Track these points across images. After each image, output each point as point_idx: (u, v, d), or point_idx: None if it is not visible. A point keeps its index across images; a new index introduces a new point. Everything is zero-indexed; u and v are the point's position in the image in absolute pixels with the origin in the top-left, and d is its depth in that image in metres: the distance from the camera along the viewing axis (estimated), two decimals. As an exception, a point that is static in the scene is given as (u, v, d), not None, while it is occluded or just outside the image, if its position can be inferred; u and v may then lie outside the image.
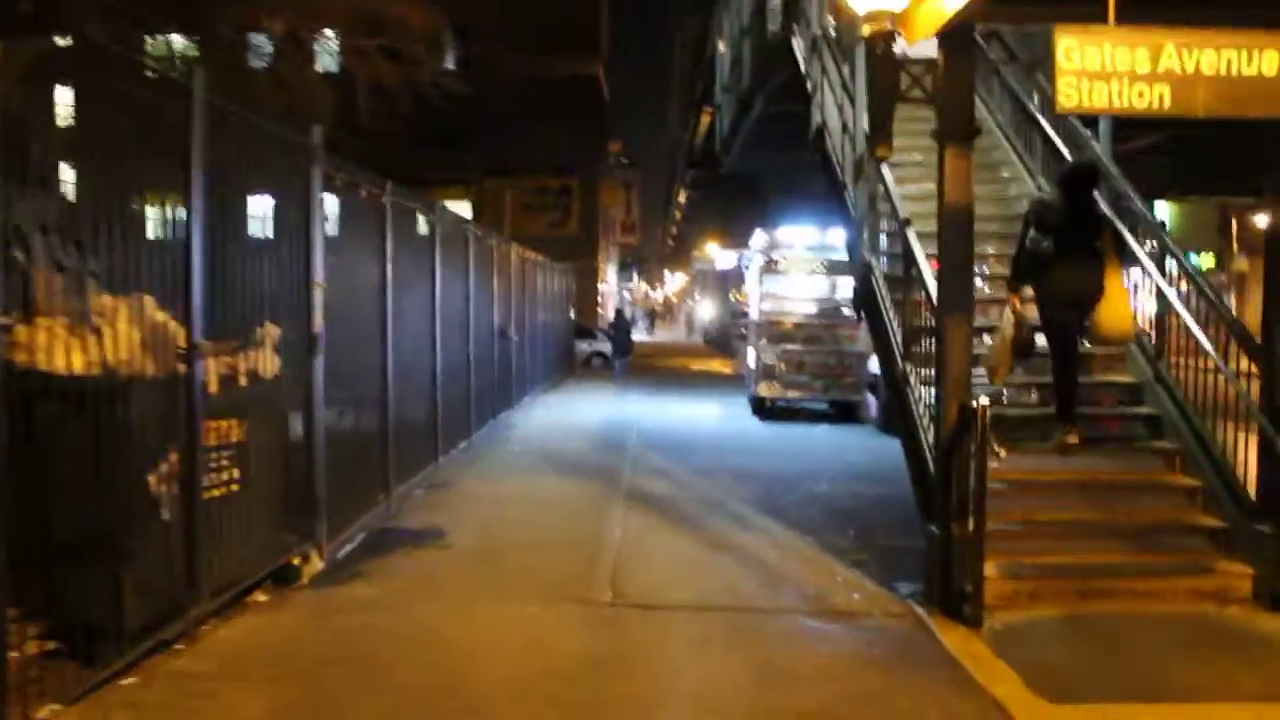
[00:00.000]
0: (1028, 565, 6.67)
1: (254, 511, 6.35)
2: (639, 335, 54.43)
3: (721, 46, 25.13)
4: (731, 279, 50.64)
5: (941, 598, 6.40)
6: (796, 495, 10.10)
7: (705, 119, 33.32)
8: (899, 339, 8.06)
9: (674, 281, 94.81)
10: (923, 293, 7.43)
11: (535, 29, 42.20)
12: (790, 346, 16.92)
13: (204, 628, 5.78)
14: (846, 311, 16.96)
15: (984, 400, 6.12)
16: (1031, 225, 7.27)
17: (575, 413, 17.81)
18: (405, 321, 9.85)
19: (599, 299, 49.50)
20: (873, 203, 9.11)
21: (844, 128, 10.27)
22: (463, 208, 41.12)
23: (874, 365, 17.40)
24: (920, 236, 8.79)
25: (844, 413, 17.17)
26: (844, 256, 17.00)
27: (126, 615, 5.20)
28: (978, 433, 6.04)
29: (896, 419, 8.12)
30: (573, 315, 28.57)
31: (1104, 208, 7.74)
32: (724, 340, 46.51)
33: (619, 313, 33.18)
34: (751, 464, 12.01)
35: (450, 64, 46.41)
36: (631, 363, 33.81)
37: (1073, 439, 7.23)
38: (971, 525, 6.16)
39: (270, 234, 6.70)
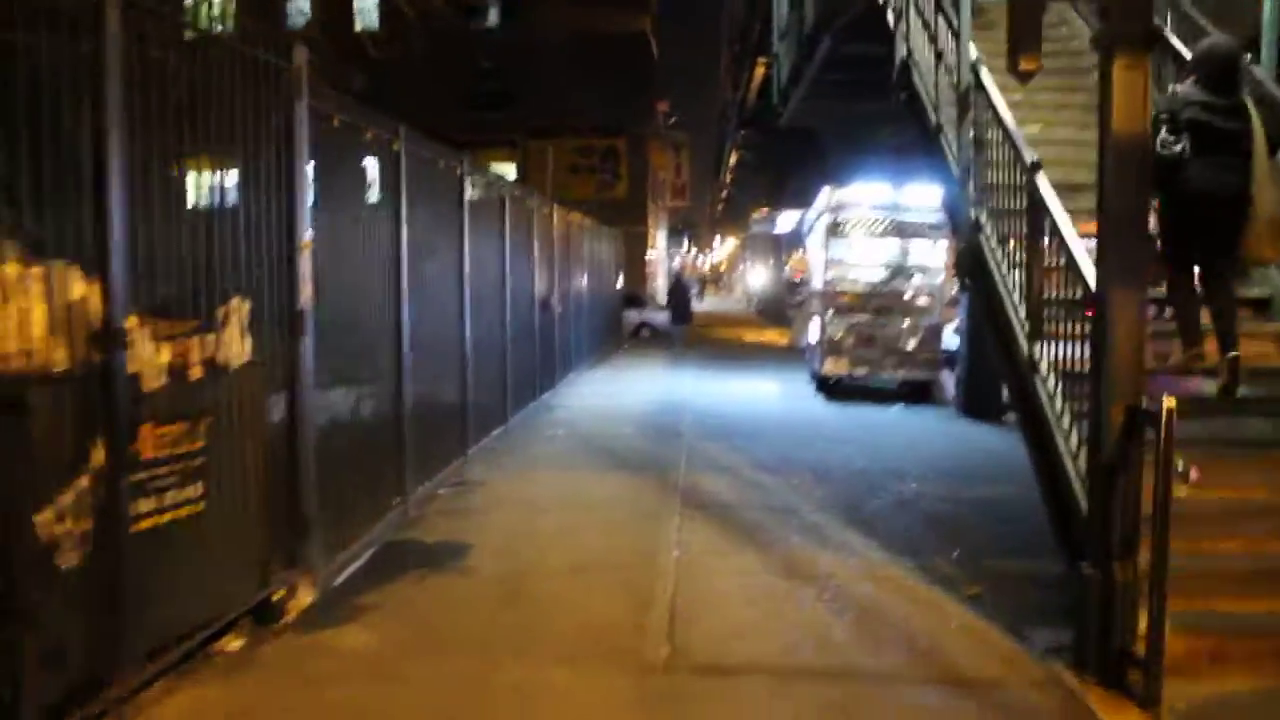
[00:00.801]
0: (1205, 615, 5.14)
1: (218, 539, 5.01)
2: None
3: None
4: (786, 244, 49.02)
5: (1098, 661, 4.90)
6: (881, 499, 8.61)
7: (759, 72, 31.54)
8: (1021, 315, 6.50)
9: (723, 247, 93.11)
10: (1062, 255, 5.87)
11: (581, -18, 40.68)
12: (860, 318, 15.34)
13: (149, 692, 4.47)
14: (921, 279, 15.37)
15: (1168, 401, 4.58)
16: (1163, 127, 5.76)
17: (624, 391, 16.39)
18: (427, 293, 8.48)
19: (648, 265, 48.00)
20: (980, 147, 7.53)
21: (938, 59, 8.69)
22: (508, 170, 39.76)
23: (950, 340, 15.86)
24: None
25: (917, 393, 15.58)
26: (919, 217, 15.43)
27: (24, 696, 3.89)
28: (1160, 445, 4.52)
29: (1020, 417, 6.56)
30: (620, 283, 27.09)
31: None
32: (778, 309, 44.90)
33: (678, 278, 32.00)
34: (822, 456, 10.52)
35: (494, 18, 45.33)
36: (684, 331, 32.50)
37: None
38: (1145, 567, 4.67)
39: (240, 185, 5.29)
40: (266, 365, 5.43)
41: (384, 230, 7.41)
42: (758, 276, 55.79)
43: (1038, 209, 6.18)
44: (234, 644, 5.22)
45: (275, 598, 5.58)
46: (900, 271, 15.42)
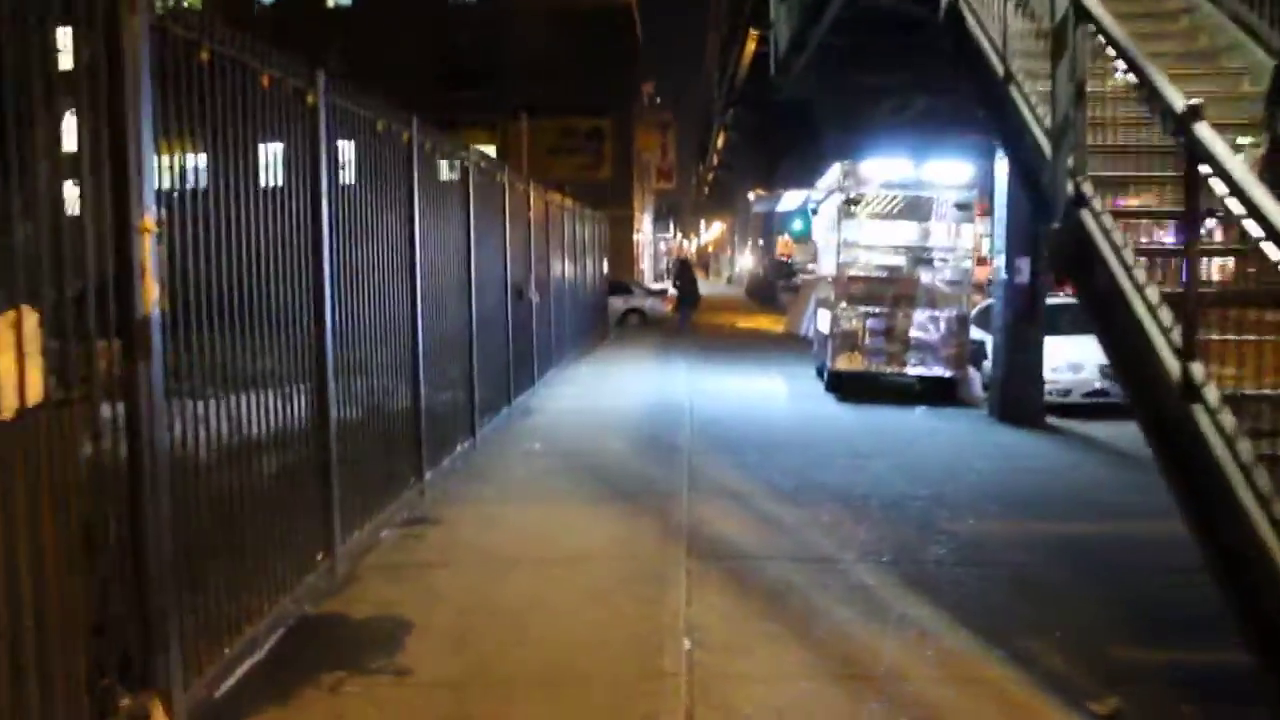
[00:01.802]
0: None
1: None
2: (671, 287, 51.07)
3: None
4: (778, 225, 47.28)
5: None
6: (937, 543, 6.85)
7: (750, 47, 29.75)
8: (1164, 322, 4.72)
9: (710, 232, 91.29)
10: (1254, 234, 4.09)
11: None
12: (877, 308, 13.59)
13: None
14: (946, 264, 13.63)
15: None
16: None
17: (612, 390, 14.61)
18: (362, 285, 6.69)
19: (635, 250, 46.21)
20: (1079, 97, 5.74)
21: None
22: (488, 151, 37.86)
23: (975, 332, 14.15)
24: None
25: (939, 391, 13.86)
26: (943, 195, 13.68)
27: None
28: None
29: (1163, 463, 4.79)
30: (605, 268, 25.28)
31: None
32: (769, 293, 43.19)
33: (683, 262, 30.93)
34: (850, 477, 8.77)
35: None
36: (673, 319, 30.72)
37: None
38: None
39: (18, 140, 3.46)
40: (84, 402, 3.64)
41: (296, 208, 5.60)
42: (747, 259, 54.08)
43: (1192, 179, 4.40)
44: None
45: (107, 741, 3.80)
46: (922, 256, 13.68)
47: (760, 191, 16.66)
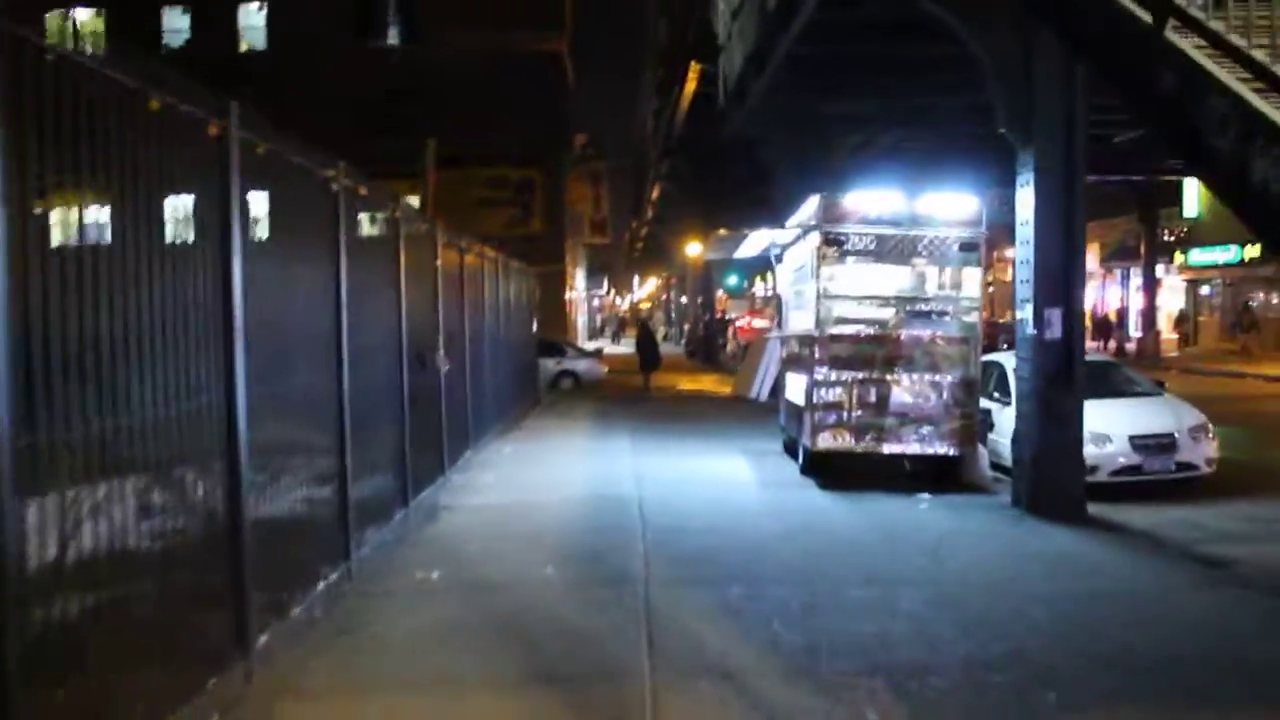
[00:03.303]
0: None
1: None
2: (606, 345, 48.55)
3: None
4: (717, 279, 45.03)
5: None
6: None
7: (690, 87, 27.52)
8: None
9: (644, 288, 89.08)
10: None
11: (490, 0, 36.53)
12: (868, 374, 11.06)
13: None
14: (949, 316, 11.18)
15: None
16: None
17: (542, 478, 11.85)
18: (155, 353, 3.98)
19: (568, 307, 43.63)
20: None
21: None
22: (412, 202, 35.08)
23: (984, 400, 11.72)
24: None
25: (937, 471, 11.38)
26: (945, 233, 11.25)
27: None
28: None
29: None
30: (536, 328, 22.61)
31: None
32: (708, 351, 40.85)
33: (644, 324, 29.88)
34: (883, 625, 6.13)
35: (395, 36, 40.76)
36: (609, 381, 28.13)
37: None
38: None
39: None
40: None
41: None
42: (686, 314, 51.73)
43: None
44: None
45: None
46: (918, 308, 11.21)
47: (721, 232, 14.05)
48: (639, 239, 70.50)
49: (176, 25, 39.50)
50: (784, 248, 14.06)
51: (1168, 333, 37.97)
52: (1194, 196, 37.82)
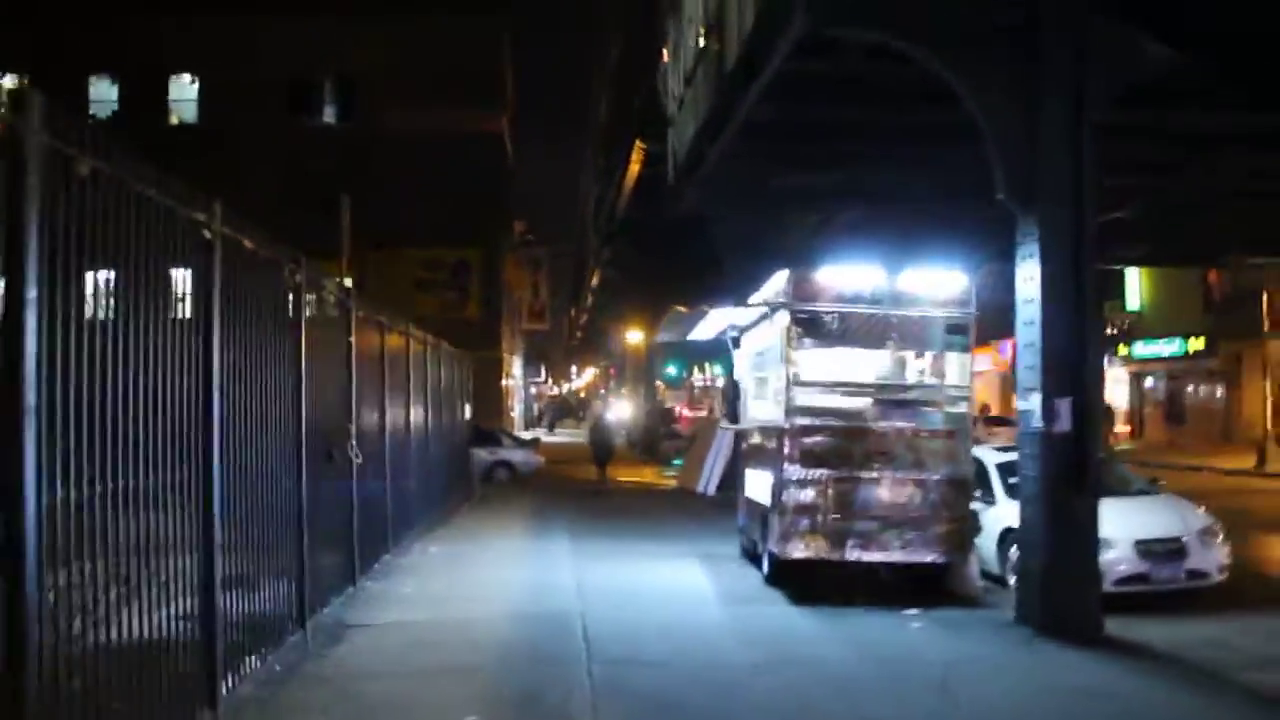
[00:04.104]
0: None
1: None
2: (544, 434, 46.85)
3: (671, 48, 18.35)
4: (658, 369, 43.85)
5: None
6: None
7: (634, 169, 26.60)
8: None
9: (581, 377, 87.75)
10: None
11: (430, 77, 35.48)
12: (843, 472, 9.70)
13: None
14: (935, 406, 9.93)
15: None
16: None
17: (470, 591, 10.18)
18: None
19: (504, 395, 42.07)
20: None
21: None
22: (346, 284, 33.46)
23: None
24: None
25: (920, 580, 10.05)
26: (929, 312, 10.07)
27: None
28: None
29: None
30: (469, 415, 21.05)
31: None
32: (650, 442, 39.45)
33: (599, 419, 29.56)
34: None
35: (331, 115, 39.52)
36: (546, 471, 26.58)
37: None
38: None
39: None
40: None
41: None
42: (624, 406, 50.40)
43: None
44: None
45: None
46: (902, 396, 9.95)
47: (679, 309, 12.71)
48: (578, 327, 69.46)
49: (104, 95, 37.92)
50: (742, 330, 12.79)
51: (1119, 425, 37.45)
52: (1136, 288, 37.81)
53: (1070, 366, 8.43)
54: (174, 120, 38.22)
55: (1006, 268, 9.28)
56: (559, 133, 70.01)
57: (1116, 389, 39.24)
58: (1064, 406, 8.42)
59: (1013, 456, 12.12)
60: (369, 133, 36.38)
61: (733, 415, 22.57)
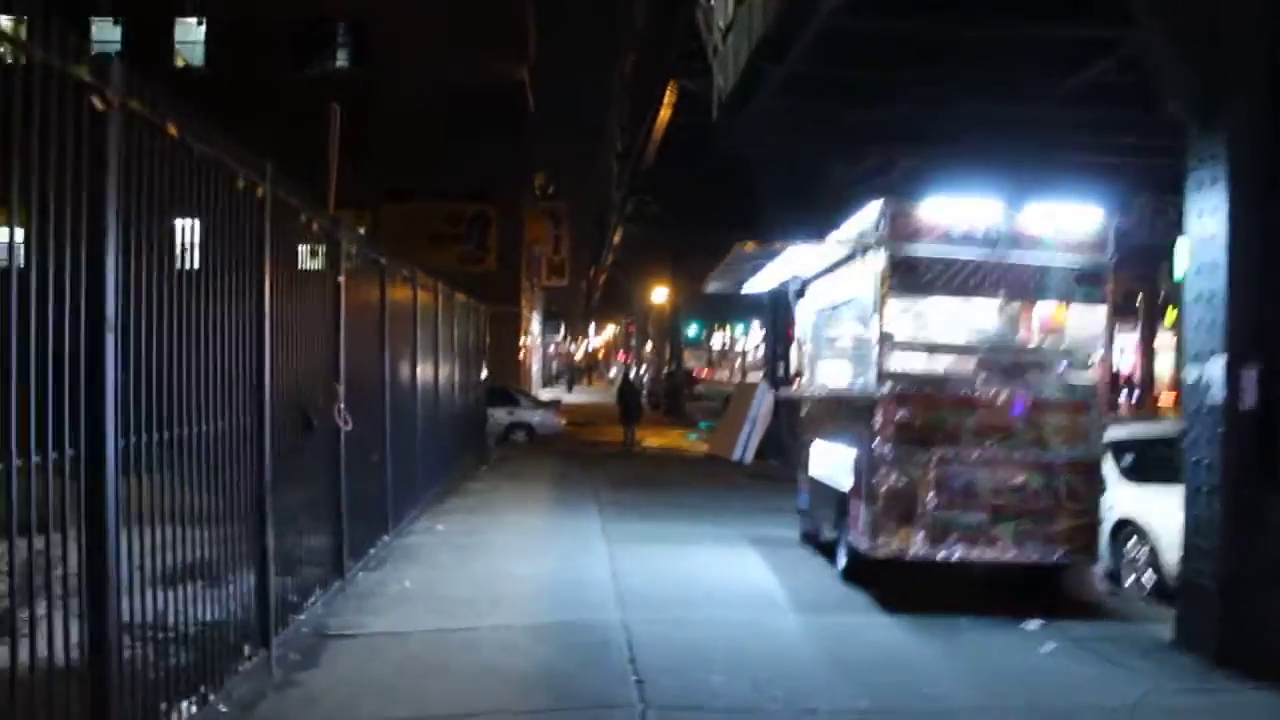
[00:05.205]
0: None
1: None
2: (563, 394, 45.14)
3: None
4: (681, 328, 42.00)
5: None
6: None
7: (664, 114, 24.59)
8: None
9: (600, 335, 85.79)
10: None
11: (447, 23, 33.39)
12: (955, 450, 7.82)
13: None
14: (1060, 372, 8.05)
15: None
16: None
17: (481, 590, 8.27)
18: None
19: (523, 353, 40.23)
20: None
21: None
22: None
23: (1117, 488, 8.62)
24: None
25: (1027, 579, 8.24)
26: (1054, 259, 8.11)
27: None
28: None
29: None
30: (484, 374, 19.25)
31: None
32: (673, 402, 37.81)
33: (626, 376, 28.54)
34: None
35: (343, 59, 37.53)
36: (568, 435, 24.85)
37: None
38: None
39: None
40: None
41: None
42: (649, 363, 48.66)
43: None
44: None
45: None
46: (1021, 360, 8.07)
47: (747, 246, 10.44)
48: (598, 286, 67.54)
49: (107, 37, 35.97)
50: (806, 281, 10.86)
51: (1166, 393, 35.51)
52: (1184, 255, 35.57)
53: (1261, 327, 6.51)
54: (179, 63, 36.29)
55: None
56: (583, 83, 67.12)
57: (1162, 356, 37.19)
58: (1250, 377, 6.50)
59: (1127, 431, 10.33)
60: (384, 81, 34.41)
61: (775, 378, 20.77)
